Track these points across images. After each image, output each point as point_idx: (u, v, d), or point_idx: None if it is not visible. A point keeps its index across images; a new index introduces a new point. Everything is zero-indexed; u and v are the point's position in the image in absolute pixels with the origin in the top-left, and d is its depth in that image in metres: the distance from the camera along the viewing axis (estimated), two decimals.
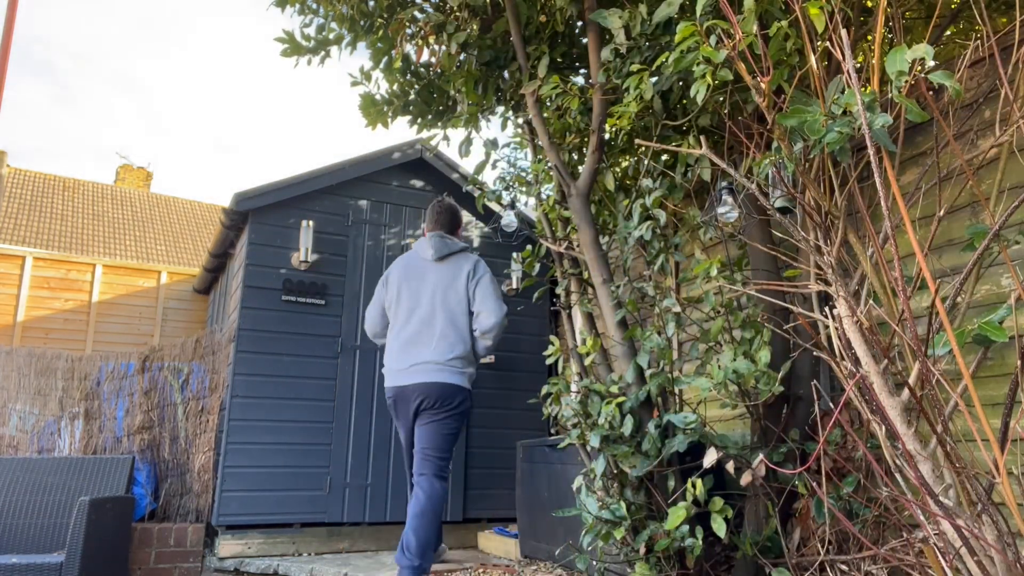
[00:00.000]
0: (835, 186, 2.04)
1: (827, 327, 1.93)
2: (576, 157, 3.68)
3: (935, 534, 1.59)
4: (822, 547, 2.38)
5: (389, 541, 4.55)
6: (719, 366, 2.44)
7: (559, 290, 3.59)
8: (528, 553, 3.87)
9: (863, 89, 1.59)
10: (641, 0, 2.81)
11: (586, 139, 3.52)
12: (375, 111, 4.03)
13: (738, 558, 2.67)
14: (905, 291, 1.50)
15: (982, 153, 2.54)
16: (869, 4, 3.09)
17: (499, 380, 5.10)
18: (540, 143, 3.45)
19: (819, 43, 2.37)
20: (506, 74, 3.83)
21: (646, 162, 3.05)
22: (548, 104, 3.35)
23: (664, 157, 3.22)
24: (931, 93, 2.61)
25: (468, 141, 3.96)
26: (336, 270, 4.79)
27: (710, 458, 2.39)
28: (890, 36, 3.00)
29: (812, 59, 1.79)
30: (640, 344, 2.90)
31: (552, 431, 5.07)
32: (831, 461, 2.58)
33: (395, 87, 4.03)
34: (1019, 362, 1.48)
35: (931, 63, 1.59)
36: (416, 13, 3.67)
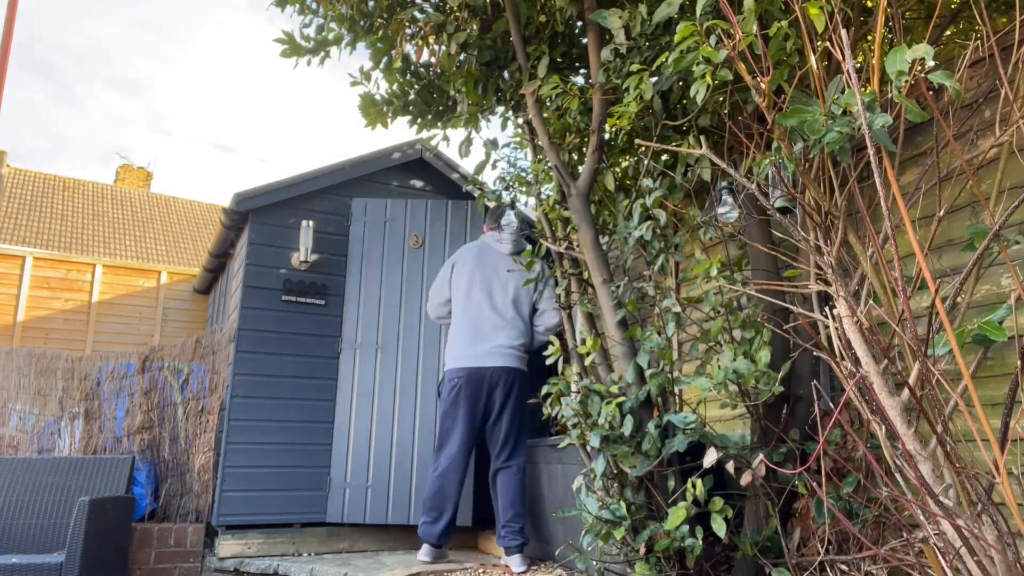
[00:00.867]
0: (835, 186, 2.04)
1: (827, 327, 1.93)
2: (576, 157, 3.68)
3: (935, 534, 1.59)
4: (822, 547, 2.38)
5: (389, 542, 4.55)
6: (719, 366, 2.44)
7: (559, 290, 3.59)
8: (528, 553, 3.87)
9: (863, 89, 1.59)
10: (641, 0, 2.81)
11: (586, 139, 3.52)
12: (375, 111, 4.03)
13: (738, 558, 2.67)
14: (905, 291, 1.50)
15: (982, 153, 2.54)
16: (869, 4, 3.09)
17: None
18: (540, 143, 3.45)
19: (819, 43, 2.37)
20: (506, 74, 3.82)
21: (646, 162, 3.05)
22: (548, 104, 3.35)
23: (664, 157, 3.22)
24: (931, 93, 2.61)
25: (468, 141, 3.96)
26: (336, 270, 4.79)
27: (710, 458, 2.39)
28: (890, 36, 3.00)
29: (812, 59, 1.79)
30: (640, 344, 2.90)
31: (552, 431, 5.06)
32: (831, 461, 2.58)
33: (395, 87, 4.03)
34: (1019, 362, 1.48)
35: (931, 63, 1.59)
36: (416, 13, 3.67)
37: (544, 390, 3.13)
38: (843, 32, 1.62)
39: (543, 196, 3.67)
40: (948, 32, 3.36)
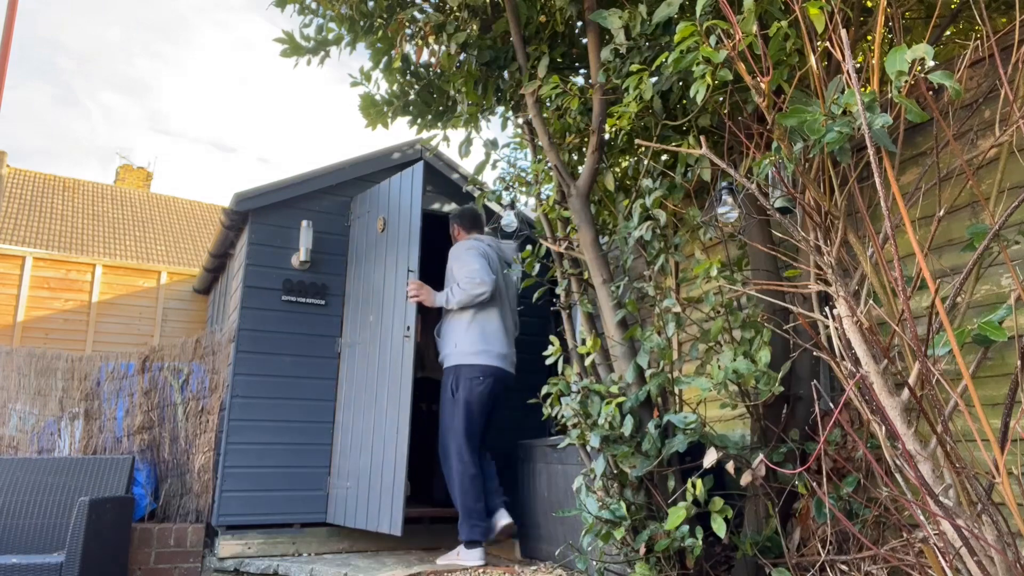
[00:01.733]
0: (835, 186, 2.04)
1: (827, 327, 1.93)
2: (576, 157, 3.68)
3: (935, 534, 1.59)
4: (822, 547, 2.38)
5: (389, 542, 4.55)
6: (719, 366, 2.44)
7: (559, 290, 3.59)
8: (528, 553, 3.87)
9: (863, 89, 1.59)
10: (641, 0, 2.81)
11: (586, 139, 3.52)
12: (375, 111, 4.03)
13: (738, 558, 2.67)
14: (905, 291, 1.50)
15: (982, 153, 2.54)
16: (869, 4, 3.09)
17: None
18: (540, 143, 3.45)
19: (819, 43, 2.37)
20: (506, 74, 3.82)
21: (646, 162, 3.05)
22: (548, 104, 3.35)
23: (664, 157, 3.22)
24: (931, 93, 2.61)
25: (468, 141, 3.96)
26: (336, 270, 4.78)
27: (710, 458, 2.39)
28: (890, 36, 3.00)
29: (812, 59, 1.79)
30: (640, 344, 2.90)
31: (552, 431, 5.06)
32: (831, 461, 2.58)
33: (395, 87, 4.03)
34: (1019, 362, 1.48)
35: (931, 63, 1.59)
36: (416, 13, 3.67)
37: (544, 390, 3.13)
38: (843, 32, 1.62)
39: (543, 196, 3.67)
40: (948, 32, 3.36)
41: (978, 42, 2.50)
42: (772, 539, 2.59)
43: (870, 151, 1.51)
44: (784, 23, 2.11)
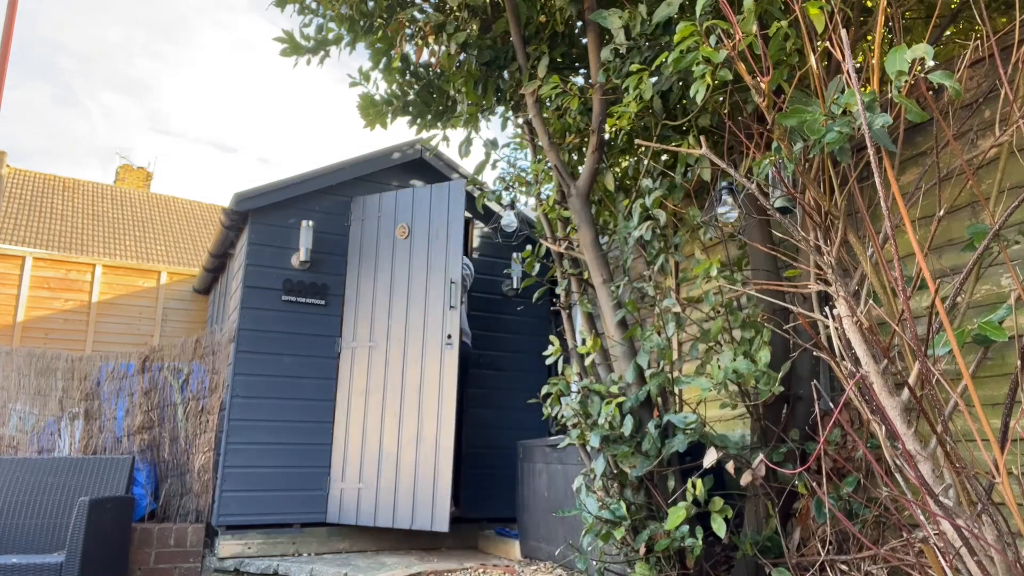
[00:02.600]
0: (835, 186, 2.04)
1: (827, 327, 1.93)
2: (576, 157, 3.68)
3: (935, 534, 1.59)
4: (822, 547, 2.38)
5: (389, 541, 4.55)
6: (719, 366, 2.44)
7: (559, 290, 3.59)
8: (528, 553, 3.87)
9: (863, 89, 1.59)
10: (641, 0, 2.81)
11: (586, 139, 3.52)
12: (374, 112, 4.03)
13: (738, 558, 2.67)
14: (905, 291, 1.50)
15: (982, 153, 2.54)
16: (869, 4, 3.09)
17: (499, 380, 5.10)
18: (540, 143, 3.45)
19: (819, 43, 2.37)
20: (506, 74, 3.82)
21: (646, 162, 3.05)
22: (548, 104, 3.35)
23: (664, 157, 3.22)
24: (931, 93, 2.61)
25: (468, 141, 3.96)
26: (336, 270, 4.79)
27: (710, 458, 2.39)
28: (890, 36, 3.00)
29: (812, 59, 1.79)
30: (640, 344, 2.90)
31: (552, 431, 5.06)
32: (831, 461, 2.58)
33: (394, 87, 4.03)
34: (1019, 362, 1.48)
35: (931, 63, 1.59)
36: (416, 13, 3.67)
37: (544, 390, 3.13)
38: (843, 32, 1.62)
39: (543, 196, 3.67)
40: (948, 32, 3.36)
41: (978, 42, 2.50)
42: (772, 539, 2.59)
43: (870, 151, 1.51)
44: (784, 23, 2.11)
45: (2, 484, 4.20)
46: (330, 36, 3.86)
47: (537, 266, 3.72)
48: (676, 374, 2.83)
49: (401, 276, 4.64)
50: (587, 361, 3.21)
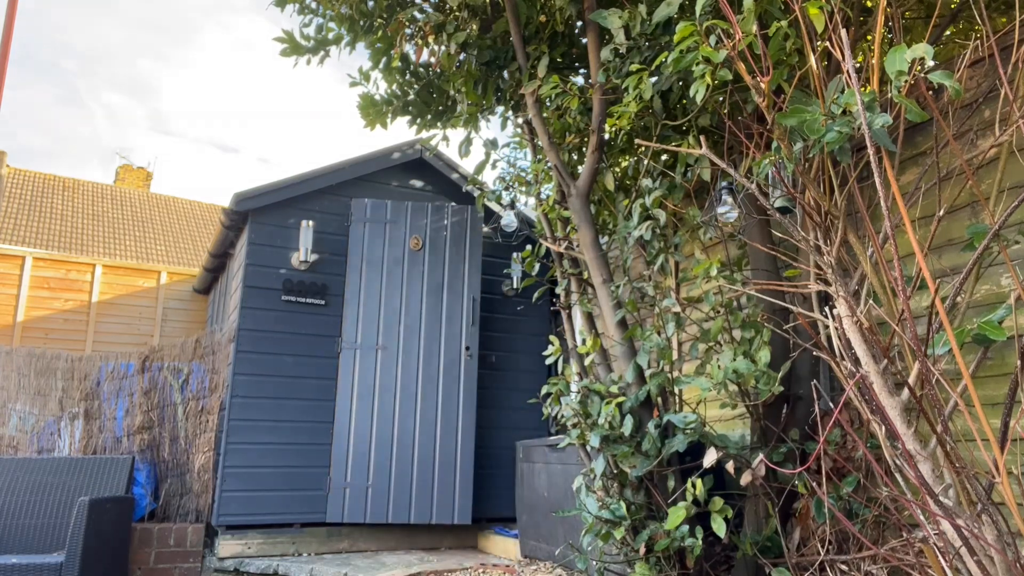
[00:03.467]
0: (835, 186, 2.04)
1: (827, 327, 1.93)
2: (576, 157, 3.68)
3: (935, 534, 1.59)
4: (822, 547, 2.38)
5: (389, 541, 4.55)
6: (719, 366, 2.44)
7: (559, 290, 3.59)
8: (528, 553, 3.87)
9: (863, 89, 1.59)
10: (641, 0, 2.81)
11: (586, 139, 3.52)
12: (374, 111, 4.03)
13: (738, 558, 2.67)
14: (905, 291, 1.50)
15: (982, 153, 2.54)
16: (869, 4, 3.09)
17: (499, 380, 5.10)
18: (540, 143, 3.45)
19: (819, 43, 2.37)
20: (506, 74, 3.83)
21: (646, 162, 3.05)
22: (548, 104, 3.35)
23: (664, 157, 3.22)
24: (931, 93, 2.61)
25: (468, 141, 3.96)
26: (336, 270, 4.79)
27: (710, 458, 2.39)
28: (890, 36, 3.00)
29: (812, 59, 1.79)
30: (640, 344, 2.90)
31: (552, 431, 5.06)
32: (831, 461, 2.58)
33: (394, 87, 4.03)
34: (1019, 362, 1.48)
35: (931, 63, 1.59)
36: (416, 13, 3.67)
37: (544, 390, 3.13)
38: (843, 32, 1.62)
39: (543, 196, 3.68)
40: (948, 32, 3.36)
41: (978, 42, 2.50)
42: (772, 539, 2.59)
43: (870, 151, 1.51)
44: (784, 23, 2.11)
45: (2, 484, 4.20)
46: (330, 36, 3.86)
47: (537, 266, 3.72)
48: (676, 374, 2.83)
49: (415, 286, 4.79)
50: (587, 361, 3.21)
